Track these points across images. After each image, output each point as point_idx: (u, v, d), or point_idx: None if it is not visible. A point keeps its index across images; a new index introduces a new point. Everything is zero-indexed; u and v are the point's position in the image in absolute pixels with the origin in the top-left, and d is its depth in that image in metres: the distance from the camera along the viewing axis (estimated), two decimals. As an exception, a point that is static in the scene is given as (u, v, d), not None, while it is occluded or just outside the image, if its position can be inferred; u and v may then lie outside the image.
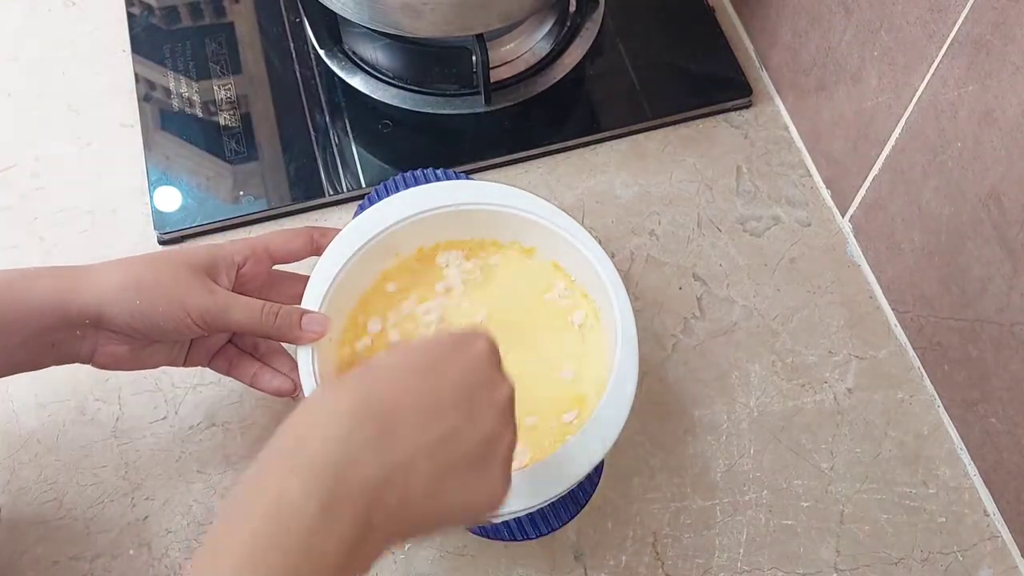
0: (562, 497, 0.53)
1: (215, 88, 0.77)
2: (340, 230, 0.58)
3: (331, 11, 0.70)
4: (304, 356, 0.54)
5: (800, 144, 0.77)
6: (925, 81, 0.60)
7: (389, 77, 0.77)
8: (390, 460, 0.40)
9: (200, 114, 0.76)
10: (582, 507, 0.59)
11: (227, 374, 0.59)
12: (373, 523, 0.39)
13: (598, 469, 0.59)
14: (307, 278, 0.57)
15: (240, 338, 0.60)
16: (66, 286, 0.52)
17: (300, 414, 0.41)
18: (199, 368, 0.59)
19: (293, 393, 0.58)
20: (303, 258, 0.59)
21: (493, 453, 0.43)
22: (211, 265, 0.54)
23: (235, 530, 0.38)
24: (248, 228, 0.72)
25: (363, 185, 0.74)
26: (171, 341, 0.56)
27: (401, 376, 0.43)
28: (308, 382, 0.53)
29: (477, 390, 0.43)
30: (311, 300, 0.55)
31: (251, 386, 0.59)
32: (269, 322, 0.54)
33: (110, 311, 0.52)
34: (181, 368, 0.59)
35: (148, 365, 0.56)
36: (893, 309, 0.70)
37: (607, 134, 0.77)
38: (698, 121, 0.78)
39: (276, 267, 0.59)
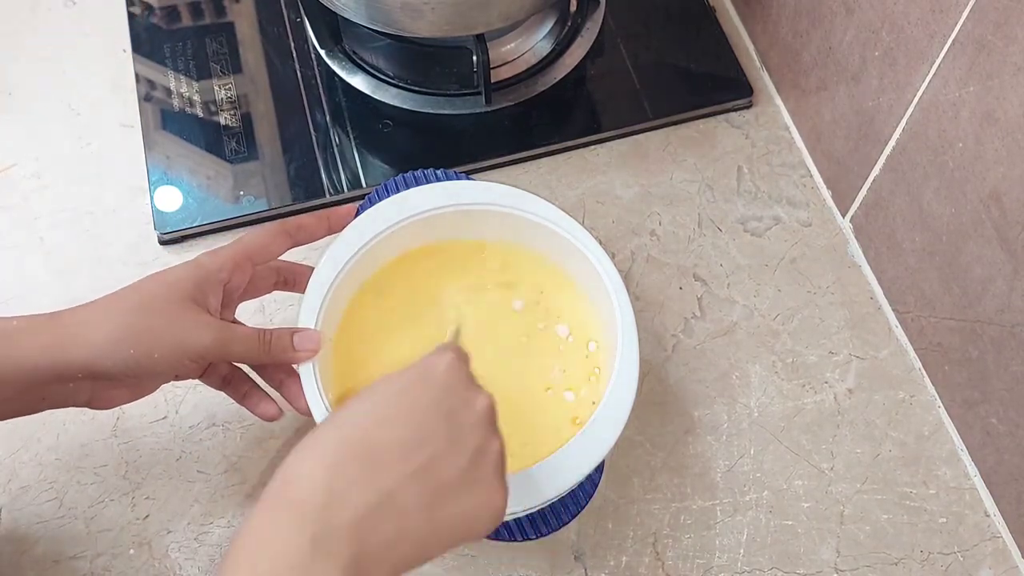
0: (562, 497, 0.53)
1: (215, 88, 0.77)
2: (314, 214, 0.58)
3: (332, 11, 0.70)
4: (306, 373, 0.54)
5: (801, 144, 0.77)
6: (926, 81, 0.60)
7: (390, 77, 0.77)
8: (376, 493, 0.41)
9: (200, 114, 0.76)
10: (582, 507, 0.59)
11: (220, 389, 0.58)
12: (371, 556, 0.40)
13: (598, 469, 0.59)
14: (284, 264, 0.58)
15: None
16: (53, 342, 0.49)
17: (289, 461, 0.43)
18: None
19: (278, 418, 0.58)
20: (283, 253, 0.58)
21: (482, 466, 0.44)
22: (198, 292, 0.53)
23: None
24: (248, 228, 0.72)
25: (363, 185, 0.74)
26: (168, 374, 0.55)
27: (377, 411, 0.44)
28: (313, 398, 0.53)
29: (454, 409, 0.44)
30: (309, 305, 0.55)
31: (241, 405, 0.58)
32: (264, 351, 0.54)
33: (103, 364, 0.50)
34: None
35: (144, 395, 0.55)
36: (894, 309, 0.70)
37: (608, 134, 0.77)
38: (699, 121, 0.78)
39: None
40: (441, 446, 0.43)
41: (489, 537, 0.58)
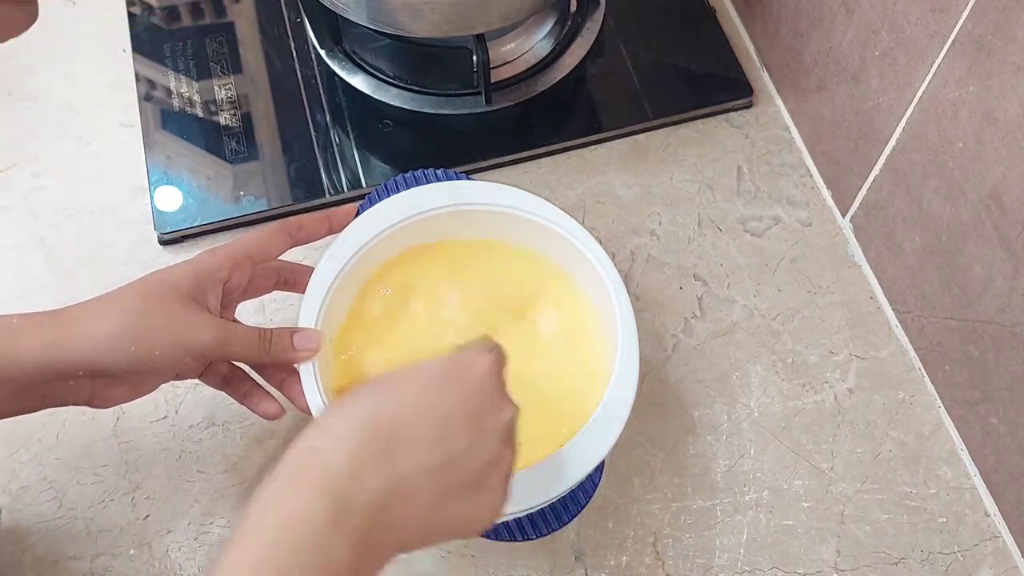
0: (562, 497, 0.53)
1: (215, 88, 0.77)
2: (315, 214, 0.58)
3: (332, 11, 0.70)
4: (306, 372, 0.54)
5: (801, 144, 0.77)
6: (926, 81, 0.60)
7: (390, 77, 0.77)
8: (396, 477, 0.41)
9: (201, 114, 0.76)
10: (582, 507, 0.59)
11: (220, 389, 0.58)
12: (377, 536, 0.40)
13: (599, 469, 0.59)
14: (284, 265, 0.58)
15: None
16: (53, 340, 0.49)
17: (313, 429, 0.42)
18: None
19: (280, 416, 0.58)
20: (283, 253, 0.58)
21: (494, 475, 0.44)
22: (198, 291, 0.53)
23: (246, 546, 0.39)
24: (248, 229, 0.72)
25: (363, 185, 0.74)
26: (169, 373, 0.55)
27: (410, 396, 0.44)
28: (313, 398, 0.53)
29: (483, 414, 0.44)
30: (309, 305, 0.55)
31: (242, 404, 0.58)
32: (264, 350, 0.54)
33: (104, 362, 0.50)
34: None
35: (145, 394, 0.55)
36: (894, 309, 0.70)
37: (608, 134, 0.77)
38: (699, 121, 0.78)
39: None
40: (461, 448, 0.43)
41: (489, 537, 0.58)
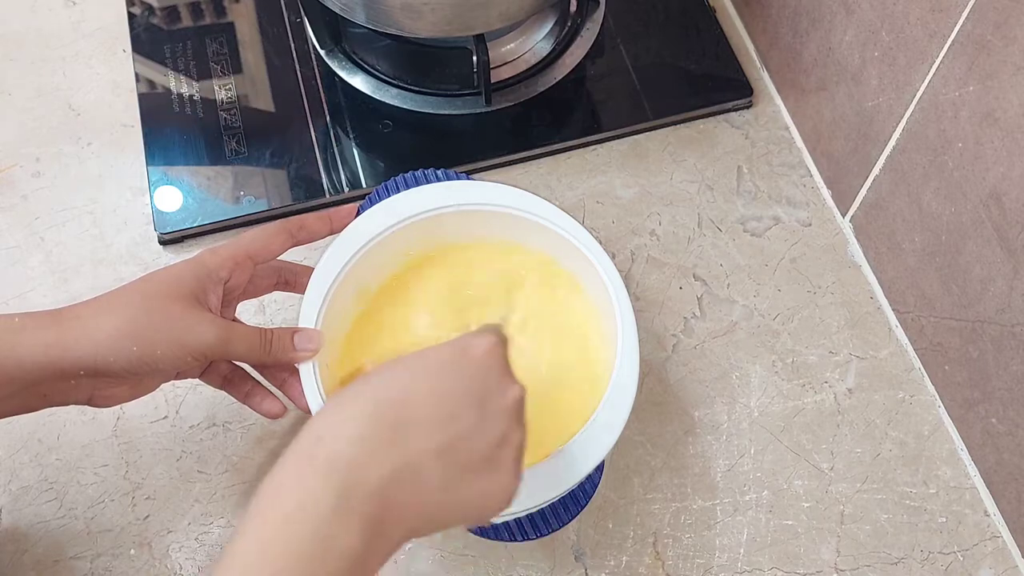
0: (562, 497, 0.53)
1: (216, 88, 0.77)
2: (316, 214, 0.58)
3: (332, 11, 0.70)
4: (306, 372, 0.54)
5: (801, 144, 0.77)
6: (926, 81, 0.60)
7: (389, 77, 0.77)
8: (403, 460, 0.41)
9: (201, 114, 0.76)
10: (582, 507, 0.59)
11: (220, 388, 0.58)
12: (386, 520, 0.40)
13: (598, 469, 0.59)
14: (284, 265, 0.58)
15: None
16: (54, 339, 0.49)
17: (320, 415, 0.43)
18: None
19: (283, 415, 0.58)
20: (283, 253, 0.58)
21: (503, 453, 0.44)
22: (200, 290, 0.53)
23: (253, 532, 0.39)
24: (248, 229, 0.72)
25: (363, 185, 0.74)
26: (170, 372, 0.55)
27: (415, 380, 0.44)
28: (313, 398, 0.53)
29: (488, 394, 0.44)
30: (309, 305, 0.55)
31: (244, 403, 0.58)
32: (265, 350, 0.54)
33: (106, 361, 0.50)
34: None
35: (145, 393, 0.55)
36: (894, 309, 0.70)
37: (608, 134, 0.77)
38: (699, 121, 0.78)
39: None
40: (468, 427, 0.43)
41: (490, 537, 0.58)
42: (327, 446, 0.41)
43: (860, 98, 0.68)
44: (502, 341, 0.47)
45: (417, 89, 0.76)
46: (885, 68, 0.64)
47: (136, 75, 0.78)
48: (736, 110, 0.79)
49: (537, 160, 0.76)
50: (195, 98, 0.77)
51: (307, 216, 0.58)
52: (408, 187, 0.59)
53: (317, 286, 0.56)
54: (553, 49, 0.79)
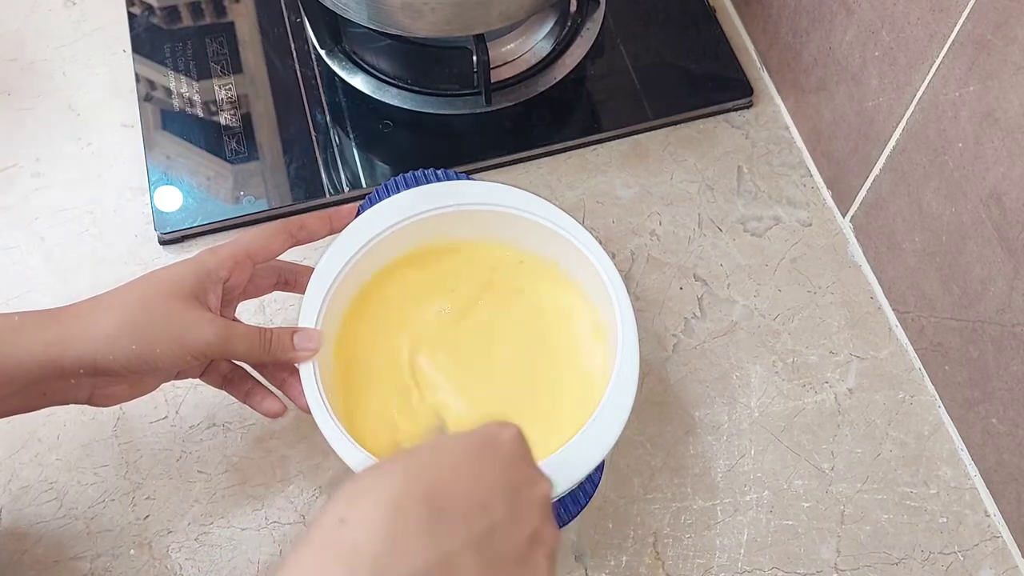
0: (562, 497, 0.53)
1: (216, 88, 0.77)
2: (317, 214, 0.58)
3: (332, 11, 0.70)
4: (306, 372, 0.54)
5: (801, 144, 0.77)
6: (926, 81, 0.60)
7: (390, 77, 0.77)
8: (437, 551, 0.38)
9: (201, 114, 0.76)
10: (582, 507, 0.59)
11: (220, 388, 0.58)
12: None
13: (599, 469, 0.59)
14: (284, 265, 0.58)
15: None
16: (54, 338, 0.49)
17: (343, 496, 0.40)
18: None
19: (283, 414, 0.57)
20: (283, 252, 0.58)
21: (538, 552, 0.42)
22: (199, 289, 0.53)
23: None
24: (248, 229, 0.72)
25: (363, 185, 0.74)
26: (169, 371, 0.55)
27: (442, 467, 0.41)
28: (313, 398, 0.53)
29: (519, 483, 0.42)
30: (309, 305, 0.55)
31: (244, 403, 0.58)
32: (265, 349, 0.53)
33: (105, 359, 0.50)
34: None
35: (145, 393, 0.55)
36: (894, 309, 0.70)
37: (608, 134, 0.77)
38: (699, 121, 0.78)
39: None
40: (502, 516, 0.40)
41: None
42: (351, 534, 0.38)
43: (860, 98, 0.68)
44: (524, 438, 0.45)
45: (417, 89, 0.76)
46: (885, 68, 0.64)
47: (136, 75, 0.78)
48: (736, 110, 0.79)
49: (537, 160, 0.76)
50: (195, 98, 0.77)
51: (307, 216, 0.58)
52: (408, 187, 0.59)
53: (317, 286, 0.56)
54: (553, 49, 0.79)
